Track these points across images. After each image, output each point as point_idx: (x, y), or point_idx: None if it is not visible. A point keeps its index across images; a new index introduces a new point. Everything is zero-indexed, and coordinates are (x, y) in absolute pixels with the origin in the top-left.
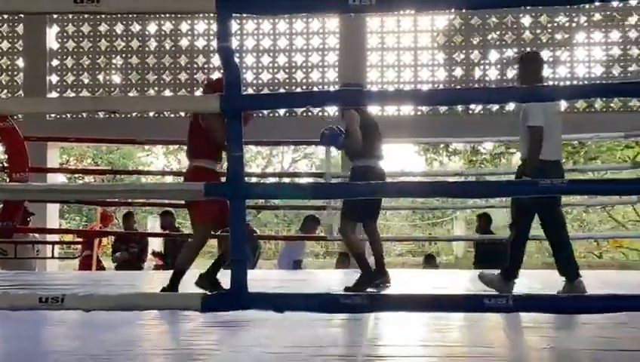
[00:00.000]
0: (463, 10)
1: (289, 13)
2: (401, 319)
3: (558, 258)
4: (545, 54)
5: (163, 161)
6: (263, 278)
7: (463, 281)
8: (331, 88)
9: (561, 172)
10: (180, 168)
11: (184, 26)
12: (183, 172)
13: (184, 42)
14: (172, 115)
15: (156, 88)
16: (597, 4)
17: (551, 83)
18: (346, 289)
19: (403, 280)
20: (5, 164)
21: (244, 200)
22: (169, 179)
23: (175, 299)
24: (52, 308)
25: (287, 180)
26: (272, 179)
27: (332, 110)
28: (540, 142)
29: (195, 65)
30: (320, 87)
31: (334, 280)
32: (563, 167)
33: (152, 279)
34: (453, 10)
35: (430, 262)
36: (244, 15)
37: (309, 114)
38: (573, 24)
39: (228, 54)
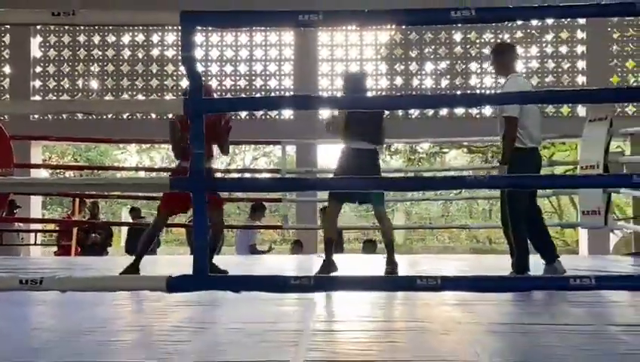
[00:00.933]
0: (403, 27)
1: (246, 26)
2: (348, 298)
3: (538, 244)
4: (473, 67)
5: (136, 158)
6: (223, 263)
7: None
8: (287, 94)
9: (538, 158)
10: (152, 165)
11: (155, 38)
12: (154, 168)
13: (155, 52)
14: (144, 117)
15: (129, 93)
16: (519, 22)
17: (478, 91)
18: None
19: (349, 264)
20: None
21: (204, 193)
22: (141, 174)
23: (143, 280)
24: (32, 289)
25: (248, 175)
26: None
27: (287, 113)
28: (515, 133)
29: (165, 73)
30: (277, 93)
31: (287, 263)
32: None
33: (123, 264)
34: (393, 27)
35: (369, 246)
36: (209, 28)
37: (267, 117)
38: (498, 40)
39: (191, 63)
